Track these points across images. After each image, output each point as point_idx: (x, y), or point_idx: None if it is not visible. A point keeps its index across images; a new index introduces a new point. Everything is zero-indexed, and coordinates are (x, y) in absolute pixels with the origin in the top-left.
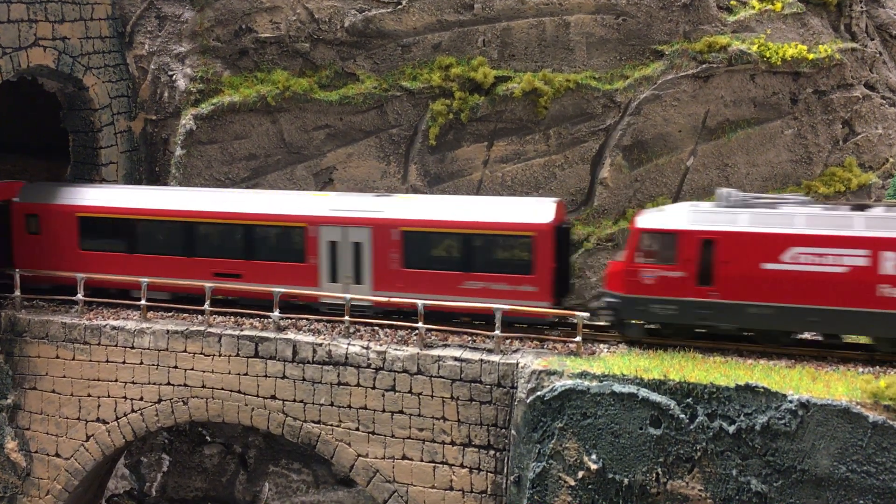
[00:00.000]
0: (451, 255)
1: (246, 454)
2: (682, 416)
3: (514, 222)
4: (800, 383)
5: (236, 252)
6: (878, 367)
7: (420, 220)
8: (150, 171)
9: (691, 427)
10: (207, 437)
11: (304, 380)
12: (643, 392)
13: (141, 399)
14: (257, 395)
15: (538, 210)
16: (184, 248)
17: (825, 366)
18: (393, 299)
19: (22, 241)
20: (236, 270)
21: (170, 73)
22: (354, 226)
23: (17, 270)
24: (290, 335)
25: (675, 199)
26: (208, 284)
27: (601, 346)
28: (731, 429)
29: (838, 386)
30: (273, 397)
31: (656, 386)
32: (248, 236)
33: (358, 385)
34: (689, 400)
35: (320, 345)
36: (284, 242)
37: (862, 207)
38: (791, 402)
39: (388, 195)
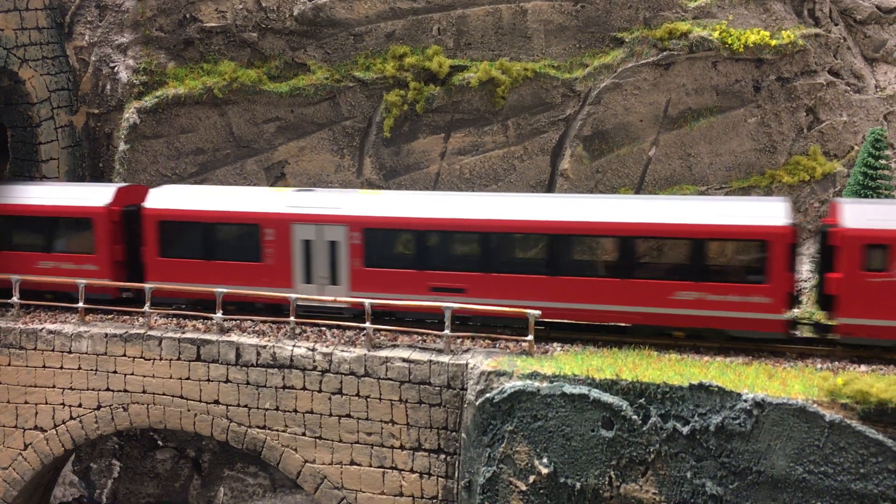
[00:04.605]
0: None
1: (200, 458)
2: (635, 417)
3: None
4: (755, 381)
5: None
6: (836, 362)
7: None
8: (93, 167)
9: (644, 428)
10: (159, 442)
11: (248, 383)
12: (595, 393)
13: (80, 406)
14: (200, 401)
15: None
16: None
17: (783, 362)
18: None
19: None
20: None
21: (112, 64)
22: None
23: None
24: (234, 337)
25: (638, 190)
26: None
27: (555, 344)
28: (686, 430)
29: (795, 384)
30: (216, 402)
31: (608, 386)
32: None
33: (304, 388)
34: (641, 400)
35: (264, 347)
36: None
37: None
38: (746, 401)
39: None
